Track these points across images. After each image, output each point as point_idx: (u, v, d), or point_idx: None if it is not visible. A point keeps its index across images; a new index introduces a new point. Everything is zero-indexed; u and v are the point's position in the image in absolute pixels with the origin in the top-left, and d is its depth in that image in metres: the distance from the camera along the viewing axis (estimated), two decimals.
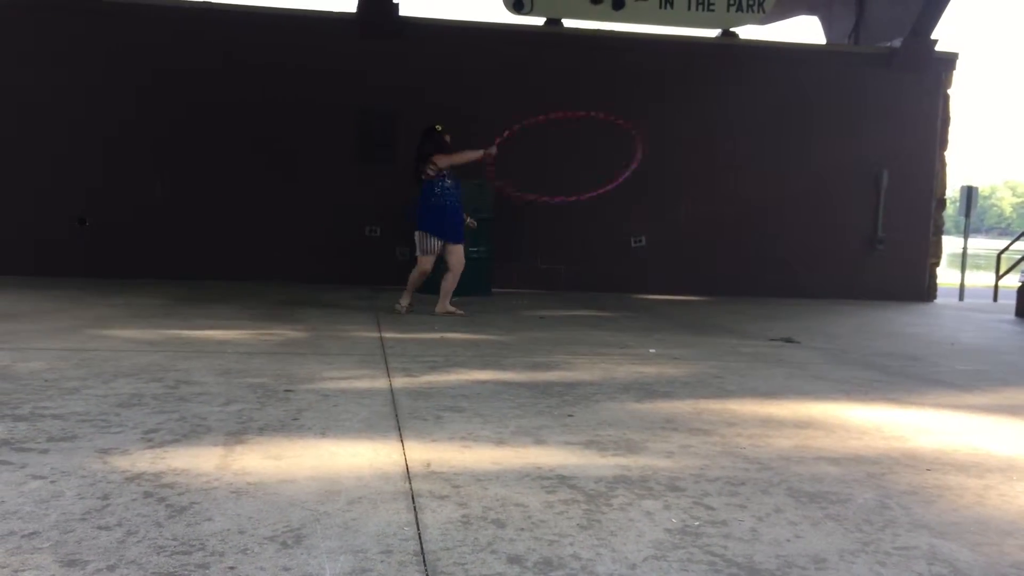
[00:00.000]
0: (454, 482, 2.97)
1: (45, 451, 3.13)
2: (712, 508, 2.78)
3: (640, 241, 10.91)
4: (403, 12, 10.40)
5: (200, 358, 5.14)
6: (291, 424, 3.68)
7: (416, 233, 7.80)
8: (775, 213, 11.02)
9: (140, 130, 9.92)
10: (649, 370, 5.37)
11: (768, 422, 4.08)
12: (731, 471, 3.23)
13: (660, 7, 10.99)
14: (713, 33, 11.20)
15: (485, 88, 10.46)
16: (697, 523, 2.64)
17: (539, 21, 10.84)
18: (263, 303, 8.20)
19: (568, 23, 10.95)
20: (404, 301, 7.97)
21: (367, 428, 3.67)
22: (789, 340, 6.93)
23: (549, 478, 3.05)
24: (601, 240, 10.79)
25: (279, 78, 10.04)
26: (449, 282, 7.92)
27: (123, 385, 4.30)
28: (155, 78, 9.91)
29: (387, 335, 6.46)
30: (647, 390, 4.72)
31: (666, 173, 10.86)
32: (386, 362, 5.28)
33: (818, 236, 11.15)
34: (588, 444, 3.54)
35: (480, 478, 3.02)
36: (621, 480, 3.06)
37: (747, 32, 11.39)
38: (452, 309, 7.91)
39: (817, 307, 10.05)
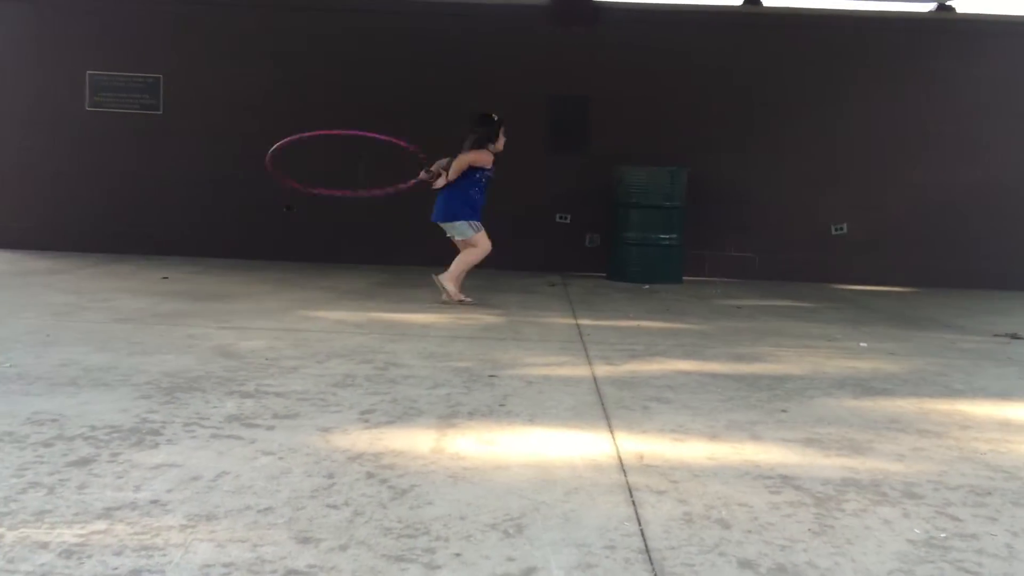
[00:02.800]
0: (671, 476, 2.87)
1: (272, 427, 3.26)
2: (958, 519, 2.55)
3: (841, 229, 10.36)
4: None
5: (404, 341, 5.26)
6: (499, 410, 3.68)
7: (461, 223, 7.14)
8: (993, 199, 10.20)
9: (341, 121, 10.29)
10: (863, 365, 5.06)
11: (1007, 426, 3.74)
12: (973, 479, 2.97)
13: None
14: (927, 8, 10.47)
15: (682, 74, 10.22)
16: (943, 535, 2.42)
17: (737, 1, 10.48)
18: (462, 289, 8.33)
19: (769, 2, 10.53)
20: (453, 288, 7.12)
21: (575, 416, 3.62)
22: (1016, 336, 6.38)
23: (771, 477, 2.90)
24: (798, 227, 10.34)
25: (472, 69, 10.16)
26: (471, 258, 7.19)
27: (336, 365, 4.44)
28: (354, 69, 10.25)
29: (582, 322, 6.42)
30: (864, 386, 4.44)
31: (871, 158, 10.28)
32: (585, 349, 5.22)
33: None
34: (808, 442, 3.35)
35: (697, 474, 2.91)
36: (850, 483, 2.87)
37: (964, 5, 10.60)
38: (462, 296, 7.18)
39: None
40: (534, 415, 3.62)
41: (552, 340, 5.54)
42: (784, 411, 3.85)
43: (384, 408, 3.62)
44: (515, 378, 4.32)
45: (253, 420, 3.35)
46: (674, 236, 9.57)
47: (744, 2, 10.46)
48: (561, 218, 10.39)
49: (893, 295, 9.30)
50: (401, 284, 8.49)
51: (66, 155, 10.30)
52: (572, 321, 6.43)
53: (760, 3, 10.50)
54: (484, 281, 8.78)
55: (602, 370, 4.61)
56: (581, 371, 4.57)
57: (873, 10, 10.44)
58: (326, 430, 3.26)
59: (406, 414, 3.54)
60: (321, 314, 6.27)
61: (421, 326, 5.93)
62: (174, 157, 10.32)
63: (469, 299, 7.15)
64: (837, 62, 10.27)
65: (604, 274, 9.92)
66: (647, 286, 9.06)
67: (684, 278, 9.86)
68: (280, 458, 2.92)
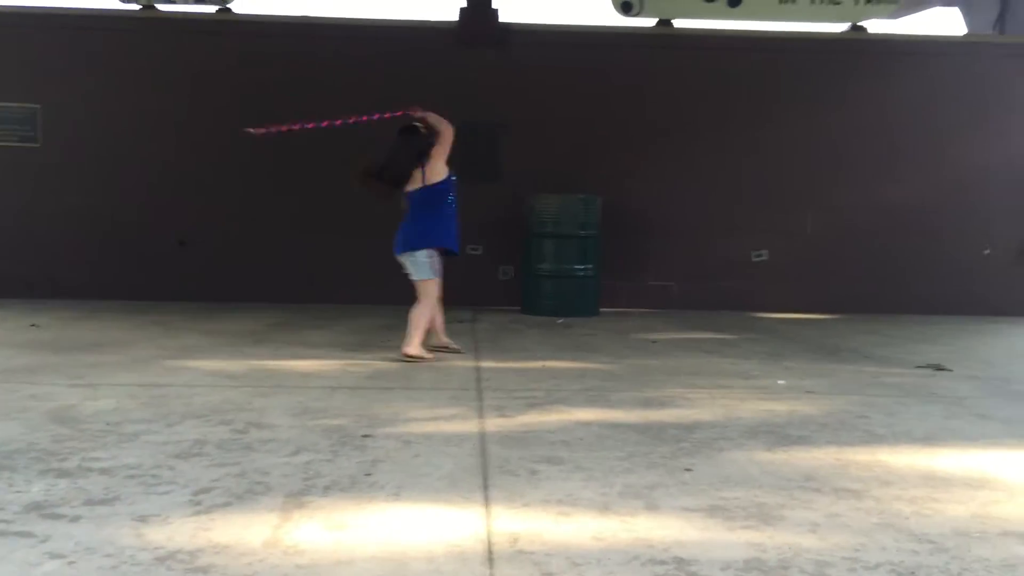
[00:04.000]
0: (545, 567, 2.41)
1: (76, 519, 2.71)
2: None
3: (761, 255, 10.10)
4: (504, 18, 9.94)
5: (279, 394, 4.72)
6: (362, 481, 3.18)
7: (421, 252, 6.13)
8: (911, 220, 10.04)
9: (233, 149, 9.73)
10: (779, 407, 4.68)
11: (932, 479, 3.36)
12: (895, 553, 2.57)
13: (780, 2, 10.20)
14: (839, 28, 10.34)
15: (592, 95, 9.89)
16: None
17: (650, 22, 10.21)
18: (359, 329, 7.83)
19: (679, 23, 10.28)
20: (422, 346, 6.07)
21: (449, 487, 3.14)
22: (939, 367, 6.09)
23: (664, 562, 2.46)
24: (717, 254, 10.05)
25: (376, 92, 9.68)
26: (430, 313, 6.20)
27: (188, 429, 3.90)
28: (254, 96, 9.70)
29: (484, 364, 5.95)
30: (778, 434, 4.05)
31: (789, 181, 10.06)
32: (480, 398, 4.75)
33: (958, 246, 10.12)
34: (711, 511, 2.92)
35: (578, 562, 2.46)
36: (755, 566, 2.44)
37: (876, 26, 10.48)
38: (447, 342, 6.43)
39: (962, 326, 9.05)
40: (402, 486, 3.13)
41: (445, 388, 5.06)
42: (688, 469, 3.42)
43: (225, 485, 3.10)
44: (392, 437, 3.83)
45: (57, 509, 2.80)
46: (589, 267, 9.18)
47: (656, 23, 10.19)
48: (473, 249, 9.90)
49: (815, 323, 9.03)
50: (297, 324, 7.93)
51: None
52: (473, 364, 5.96)
53: (671, 24, 10.24)
54: (389, 319, 8.27)
55: (493, 424, 4.14)
56: (469, 426, 4.09)
57: (787, 31, 10.26)
58: (142, 519, 2.72)
59: (249, 492, 3.02)
60: (194, 364, 5.69)
61: (302, 375, 5.39)
62: (55, 192, 9.61)
63: (454, 347, 6.42)
64: (752, 84, 10.05)
65: (518, 307, 9.48)
66: (561, 320, 8.65)
67: (601, 310, 9.47)
68: (70, 563, 2.39)
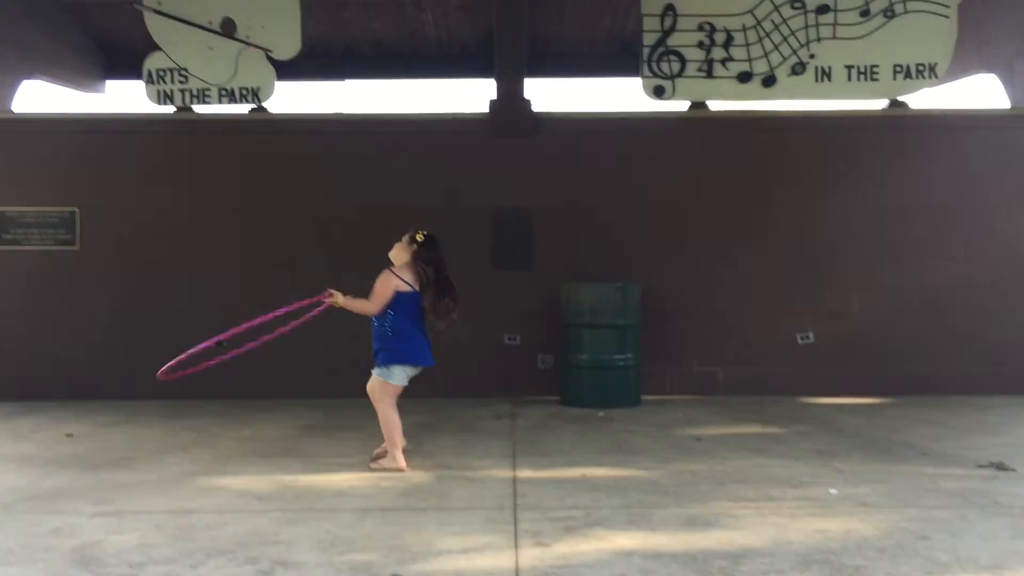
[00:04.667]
0: None
1: None
2: None
3: (807, 337, 9.82)
4: (537, 108, 9.94)
5: (308, 522, 4.56)
6: None
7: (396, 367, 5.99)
8: (961, 298, 9.72)
9: (273, 245, 9.76)
10: (833, 526, 4.41)
11: None
12: None
13: (816, 80, 10.06)
14: (879, 105, 10.16)
15: (626, 183, 9.80)
16: None
17: (683, 106, 10.13)
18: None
19: (714, 105, 10.19)
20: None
21: None
22: (1001, 466, 5.77)
23: None
24: (763, 338, 9.78)
25: (411, 184, 9.70)
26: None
27: (212, 571, 3.76)
28: (283, 194, 9.76)
29: (522, 474, 5.74)
30: (832, 564, 3.79)
31: (833, 261, 9.80)
32: (515, 521, 4.55)
33: (1013, 325, 9.76)
34: None
35: None
36: None
37: (917, 100, 10.30)
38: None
39: (1020, 410, 8.65)
40: None
41: (480, 507, 4.86)
42: None
43: None
44: None
45: None
46: (629, 356, 8.97)
47: (690, 106, 10.11)
48: (511, 339, 9.79)
49: (865, 410, 8.67)
50: (330, 426, 7.79)
51: None
52: (510, 474, 5.74)
53: (706, 106, 10.15)
54: (426, 416, 8.13)
55: (529, 556, 3.94)
56: (504, 560, 3.89)
57: (824, 111, 10.12)
58: None
59: None
60: (224, 482, 5.55)
61: (335, 493, 5.23)
62: (94, 294, 9.66)
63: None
64: (791, 165, 9.88)
65: (558, 397, 9.28)
66: (602, 413, 8.41)
67: (644, 397, 9.23)
68: None
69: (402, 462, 5.88)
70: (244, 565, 3.84)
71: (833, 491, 5.20)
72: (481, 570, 3.76)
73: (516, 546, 4.10)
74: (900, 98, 10.05)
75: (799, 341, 9.81)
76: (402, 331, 5.97)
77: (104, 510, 4.83)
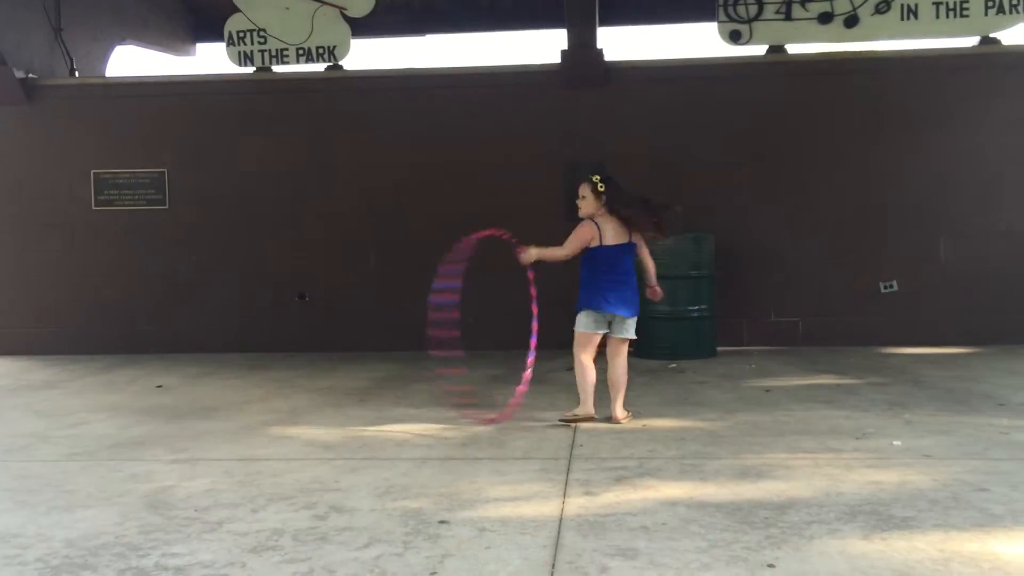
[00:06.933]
0: None
1: None
2: None
3: (891, 286, 9.55)
4: (609, 57, 9.82)
5: (368, 469, 4.74)
6: None
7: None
8: None
9: (349, 202, 9.97)
10: (888, 478, 4.35)
11: None
12: None
13: (902, 18, 9.66)
14: (969, 42, 9.71)
15: (702, 128, 9.63)
16: None
17: (760, 50, 9.88)
18: (467, 380, 7.80)
19: (793, 48, 9.90)
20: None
21: None
22: None
23: None
24: (843, 287, 9.56)
25: (482, 138, 9.75)
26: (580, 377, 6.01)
27: (271, 515, 3.94)
28: (360, 150, 9.93)
29: (584, 424, 5.81)
30: (881, 515, 3.76)
31: (919, 207, 9.49)
32: (568, 470, 4.63)
33: None
34: None
35: None
36: None
37: (1011, 34, 9.78)
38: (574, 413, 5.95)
39: None
40: None
41: (536, 457, 4.96)
42: (771, 566, 3.21)
43: None
44: (468, 523, 3.76)
45: None
46: (704, 307, 8.91)
47: (768, 51, 9.85)
48: None
49: (948, 360, 8.43)
50: (406, 378, 8.00)
51: (77, 256, 10.15)
52: (573, 424, 5.83)
53: (785, 50, 9.87)
54: (499, 369, 8.26)
55: (575, 505, 4.01)
56: (550, 508, 3.98)
57: (910, 49, 9.73)
58: None
59: None
60: (295, 432, 5.79)
61: (398, 443, 5.40)
62: (183, 251, 10.09)
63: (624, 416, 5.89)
64: (874, 108, 9.55)
65: (632, 350, 9.26)
66: (673, 364, 8.40)
67: (721, 348, 9.17)
68: None
69: (589, 409, 5.82)
70: (302, 510, 4.02)
71: (896, 443, 5.11)
72: (526, 517, 3.85)
73: (564, 495, 4.18)
74: (992, 35, 9.58)
75: (882, 290, 9.57)
76: (585, 279, 5.99)
77: (180, 457, 5.11)
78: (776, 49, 9.85)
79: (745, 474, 4.51)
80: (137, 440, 5.61)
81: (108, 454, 5.24)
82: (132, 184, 10.09)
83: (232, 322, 10.04)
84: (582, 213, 5.98)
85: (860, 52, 9.73)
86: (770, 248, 9.56)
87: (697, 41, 24.87)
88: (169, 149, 10.12)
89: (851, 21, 9.68)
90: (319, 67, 10.29)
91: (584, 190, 5.93)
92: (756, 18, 9.71)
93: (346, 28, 10.22)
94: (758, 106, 9.65)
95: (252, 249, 10.06)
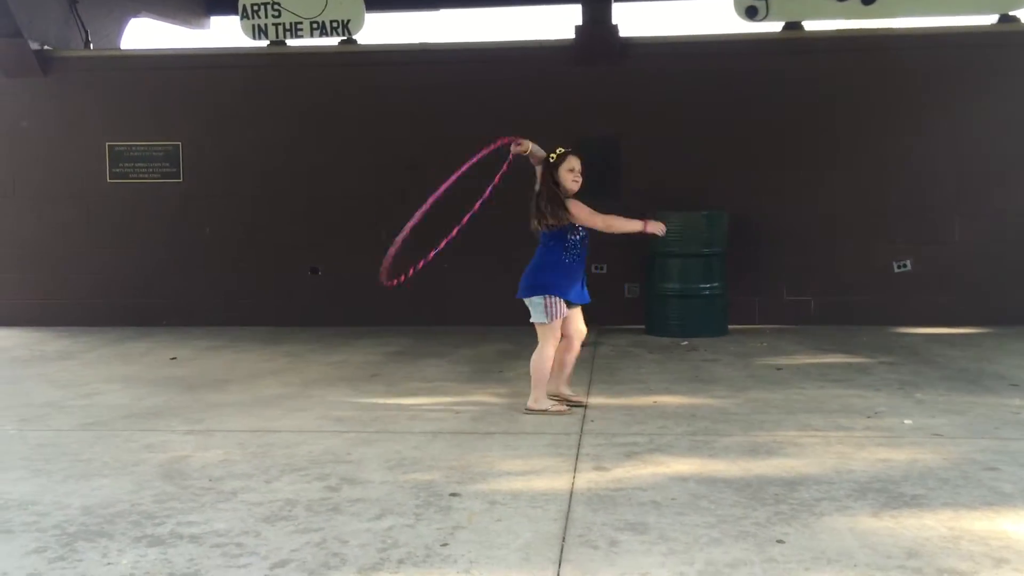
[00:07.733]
0: None
1: None
2: None
3: (904, 265, 9.52)
4: (624, 33, 9.76)
5: (380, 442, 4.78)
6: (436, 554, 3.15)
7: (536, 299, 5.45)
8: None
9: (360, 177, 9.97)
10: (899, 456, 4.36)
11: None
12: None
13: None
14: (988, 20, 9.61)
15: (717, 105, 9.57)
16: None
17: (776, 27, 9.80)
18: (477, 357, 7.85)
19: (810, 25, 9.82)
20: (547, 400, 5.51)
21: (522, 561, 3.07)
22: None
23: None
24: (857, 266, 9.53)
25: (496, 113, 9.71)
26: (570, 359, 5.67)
27: (284, 486, 3.98)
28: (373, 124, 9.92)
29: (593, 400, 5.84)
30: (890, 493, 3.77)
31: (933, 187, 9.44)
32: (579, 446, 4.65)
33: None
34: None
35: None
36: None
37: None
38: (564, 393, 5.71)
39: None
40: (475, 561, 3.08)
41: (547, 432, 4.98)
42: (780, 541, 3.23)
43: (302, 557, 3.13)
44: (479, 496, 3.79)
45: None
46: (716, 285, 8.90)
47: (784, 27, 9.77)
48: (597, 268, 9.78)
49: (962, 340, 8.42)
50: (417, 353, 8.03)
51: (92, 228, 10.20)
52: (582, 398, 5.85)
53: (802, 27, 9.78)
54: (509, 344, 8.28)
55: (585, 479, 4.04)
56: (561, 482, 4.01)
57: (928, 27, 9.64)
58: None
59: (324, 566, 3.05)
60: (307, 404, 5.83)
61: (410, 416, 5.43)
62: (198, 224, 10.12)
63: (562, 406, 5.52)
64: (891, 86, 9.47)
65: (643, 326, 9.29)
66: (685, 342, 8.41)
67: (733, 326, 9.17)
68: None
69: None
70: (314, 481, 4.06)
71: (908, 421, 5.11)
72: (536, 491, 3.88)
73: (575, 470, 4.21)
74: (1012, 12, 9.47)
75: (896, 269, 9.54)
76: (554, 263, 5.61)
77: (194, 428, 5.16)
78: (793, 26, 9.76)
79: (755, 451, 4.52)
80: (152, 411, 5.67)
81: (123, 424, 5.29)
82: (146, 157, 10.12)
83: (245, 296, 10.09)
84: (574, 191, 5.73)
85: (877, 29, 9.64)
86: (784, 227, 9.53)
87: (713, 17, 24.66)
88: (183, 122, 10.14)
89: None
90: (333, 41, 10.26)
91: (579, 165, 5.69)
92: None
93: (360, 2, 10.18)
94: (774, 83, 9.59)
95: (265, 223, 10.09)
